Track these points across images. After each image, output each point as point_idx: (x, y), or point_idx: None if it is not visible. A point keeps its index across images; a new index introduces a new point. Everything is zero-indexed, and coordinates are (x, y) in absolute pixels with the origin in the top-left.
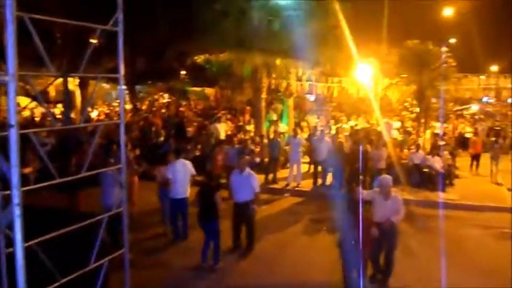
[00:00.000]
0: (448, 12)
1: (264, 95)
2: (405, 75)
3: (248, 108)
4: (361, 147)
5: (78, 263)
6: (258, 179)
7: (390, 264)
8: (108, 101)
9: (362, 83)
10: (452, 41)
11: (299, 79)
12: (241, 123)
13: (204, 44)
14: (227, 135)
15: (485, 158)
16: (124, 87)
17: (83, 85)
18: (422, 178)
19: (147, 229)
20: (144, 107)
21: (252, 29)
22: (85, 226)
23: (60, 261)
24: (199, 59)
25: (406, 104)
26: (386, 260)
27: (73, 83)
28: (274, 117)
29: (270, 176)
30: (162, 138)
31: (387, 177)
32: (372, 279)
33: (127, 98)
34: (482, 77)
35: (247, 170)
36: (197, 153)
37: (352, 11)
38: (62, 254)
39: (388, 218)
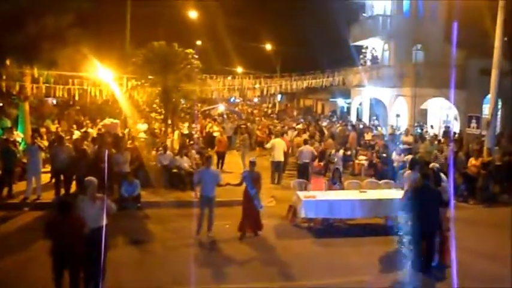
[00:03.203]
0: (193, 15)
1: None
2: (151, 77)
3: None
4: (106, 152)
5: None
6: None
7: (104, 269)
8: None
9: (106, 85)
10: (199, 43)
11: (35, 81)
12: None
13: None
14: None
15: (233, 156)
16: None
17: None
18: (172, 179)
19: None
20: None
21: None
22: None
23: None
24: None
25: (154, 105)
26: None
27: None
28: (8, 123)
29: (5, 190)
30: None
31: (91, 179)
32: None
33: None
34: (229, 78)
35: None
36: None
37: (92, 10)
38: None
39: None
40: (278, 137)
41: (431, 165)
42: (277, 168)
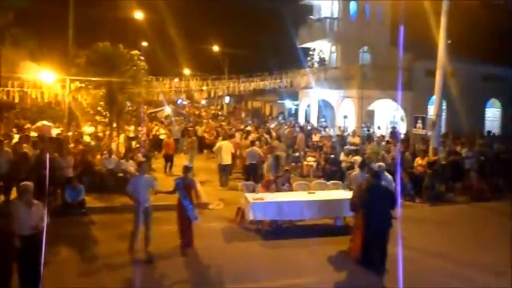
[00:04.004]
0: (139, 16)
1: None
2: (95, 79)
3: None
4: (48, 156)
5: None
6: None
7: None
8: None
9: (48, 87)
10: (145, 44)
11: None
12: None
13: None
14: None
15: (181, 159)
16: None
17: None
18: (118, 183)
19: None
20: None
21: None
22: None
23: None
24: None
25: (99, 108)
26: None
27: None
28: None
29: None
30: None
31: (27, 184)
32: None
33: None
34: (176, 80)
35: None
36: None
37: (33, 9)
38: None
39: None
40: (225, 140)
41: (372, 165)
42: (225, 170)
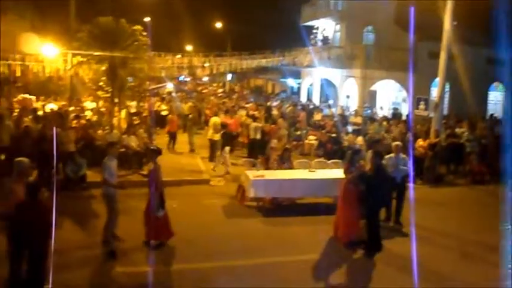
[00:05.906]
0: None
1: None
2: (97, 53)
3: None
4: (54, 131)
5: None
6: None
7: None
8: None
9: (49, 61)
10: (148, 19)
11: None
12: None
13: None
14: None
15: (184, 136)
16: None
17: None
18: (119, 158)
19: None
20: None
21: None
22: None
23: None
24: None
25: (101, 83)
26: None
27: None
28: None
29: None
30: None
31: (19, 160)
32: None
33: None
34: (178, 56)
35: None
36: None
37: None
38: None
39: None
40: (216, 116)
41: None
42: (212, 145)
